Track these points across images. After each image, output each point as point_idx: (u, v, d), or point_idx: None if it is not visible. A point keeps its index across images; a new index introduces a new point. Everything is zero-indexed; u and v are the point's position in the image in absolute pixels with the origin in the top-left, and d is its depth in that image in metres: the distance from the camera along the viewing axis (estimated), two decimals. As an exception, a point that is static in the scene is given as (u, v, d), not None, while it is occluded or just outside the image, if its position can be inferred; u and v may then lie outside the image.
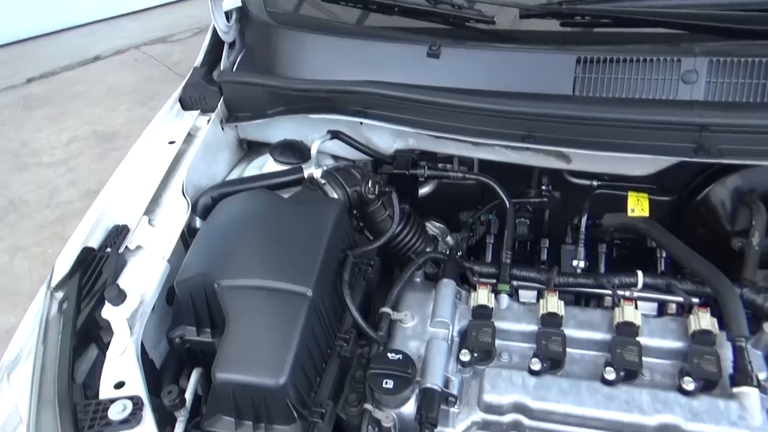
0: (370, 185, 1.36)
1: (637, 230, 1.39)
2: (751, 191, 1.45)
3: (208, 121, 1.60)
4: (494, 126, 1.30)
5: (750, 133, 1.16)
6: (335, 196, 1.35)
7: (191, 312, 1.18)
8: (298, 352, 1.03)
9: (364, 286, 1.31)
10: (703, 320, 1.13)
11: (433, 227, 1.61)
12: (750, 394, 1.04)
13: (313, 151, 1.45)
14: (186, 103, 1.65)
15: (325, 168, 1.41)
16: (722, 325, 1.16)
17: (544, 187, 1.51)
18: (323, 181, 1.35)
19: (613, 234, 1.51)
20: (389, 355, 1.13)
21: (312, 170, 1.38)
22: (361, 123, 1.43)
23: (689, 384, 1.06)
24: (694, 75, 1.25)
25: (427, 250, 1.44)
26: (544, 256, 1.50)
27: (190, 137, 1.57)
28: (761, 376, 1.12)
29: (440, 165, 1.48)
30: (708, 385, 1.08)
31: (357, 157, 1.57)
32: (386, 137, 1.50)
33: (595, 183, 1.48)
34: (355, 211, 1.42)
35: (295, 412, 1.02)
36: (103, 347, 1.17)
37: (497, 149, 1.39)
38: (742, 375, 1.06)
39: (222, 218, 1.30)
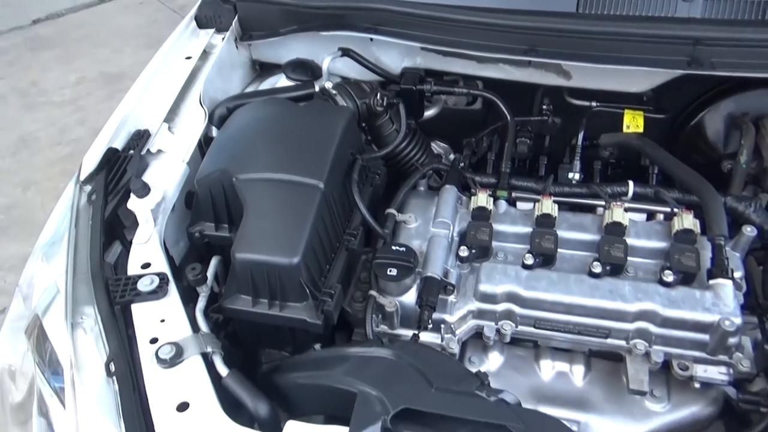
0: (378, 97, 1.43)
1: (631, 146, 1.46)
2: (743, 114, 1.51)
3: (223, 39, 1.65)
4: (499, 41, 1.36)
5: (741, 47, 1.22)
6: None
7: (210, 208, 1.27)
8: (310, 236, 1.12)
9: (371, 192, 1.39)
10: (686, 221, 1.21)
11: (437, 146, 1.68)
12: (725, 284, 1.13)
13: (324, 67, 1.51)
14: (201, 22, 1.70)
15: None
16: (705, 231, 1.25)
17: (544, 107, 1.57)
18: (334, 92, 1.41)
19: (609, 154, 1.58)
20: (394, 247, 1.22)
21: (324, 83, 1.45)
22: (372, 39, 1.49)
23: (669, 276, 1.15)
24: (692, -7, 1.30)
25: (431, 163, 1.51)
26: (542, 172, 1.57)
27: (205, 54, 1.63)
28: (737, 274, 1.21)
29: (450, 81, 1.54)
30: (686, 279, 1.18)
31: (366, 78, 1.63)
32: (395, 56, 1.56)
33: (593, 104, 1.54)
34: (363, 124, 1.49)
35: (307, 289, 1.11)
36: (127, 245, 1.26)
37: (501, 66, 1.45)
38: (718, 269, 1.15)
39: (238, 123, 1.37)
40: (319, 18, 1.54)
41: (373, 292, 1.21)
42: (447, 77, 1.59)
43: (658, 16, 1.32)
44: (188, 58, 1.60)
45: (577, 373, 1.25)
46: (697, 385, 1.16)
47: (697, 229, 1.21)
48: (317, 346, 1.16)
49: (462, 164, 1.47)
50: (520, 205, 1.41)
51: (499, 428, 0.86)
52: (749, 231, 1.22)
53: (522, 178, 1.41)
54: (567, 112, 1.61)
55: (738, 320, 1.10)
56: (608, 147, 1.54)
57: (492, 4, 1.41)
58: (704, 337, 1.14)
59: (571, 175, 1.48)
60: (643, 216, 1.36)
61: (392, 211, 1.33)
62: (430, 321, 1.16)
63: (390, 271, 1.18)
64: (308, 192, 1.17)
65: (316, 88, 1.50)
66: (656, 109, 1.51)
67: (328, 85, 1.42)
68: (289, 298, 1.13)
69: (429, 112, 1.69)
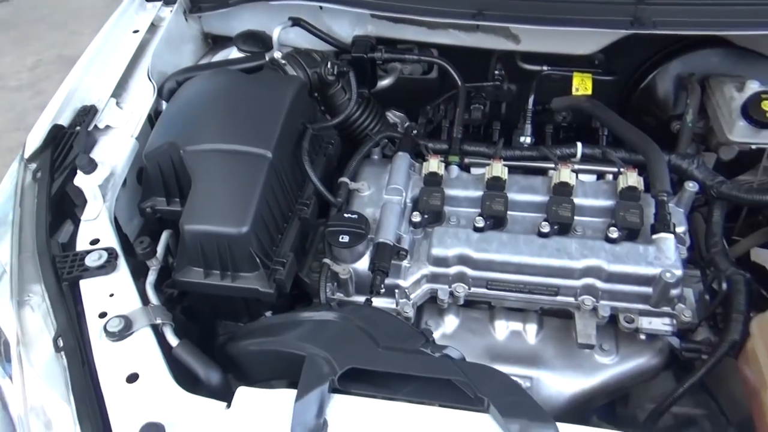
0: (329, 66, 1.42)
1: (581, 108, 1.48)
2: (690, 75, 1.54)
3: (171, 11, 1.62)
4: (448, 5, 1.36)
5: (681, 5, 1.24)
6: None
7: (160, 182, 1.26)
8: (259, 206, 1.12)
9: (324, 162, 1.39)
10: (630, 179, 1.24)
11: (393, 116, 1.68)
12: (666, 238, 1.17)
13: (275, 37, 1.49)
14: (148, -5, 1.66)
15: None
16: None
17: (496, 72, 1.58)
18: (284, 62, 1.40)
19: (563, 117, 1.60)
20: (346, 215, 1.23)
21: (274, 53, 1.43)
22: (321, 7, 1.47)
23: (614, 233, 1.18)
24: (636, -47, 1.31)
25: (386, 132, 1.51)
26: (496, 137, 1.58)
27: (153, 27, 1.60)
28: (680, 229, 1.25)
29: (402, 49, 1.53)
30: (631, 235, 1.21)
31: (319, 48, 1.61)
32: (346, 25, 1.55)
33: (545, 68, 1.56)
34: (316, 94, 1.48)
35: (258, 259, 1.11)
36: (79, 223, 1.25)
37: (451, 32, 1.45)
38: (661, 224, 1.18)
39: (186, 95, 1.35)
40: (268, -13, 1.52)
41: (326, 260, 1.22)
42: (400, 45, 1.58)
43: (603, -24, 1.33)
44: (135, 31, 1.57)
45: (530, 331, 1.28)
46: (642, 337, 1.20)
47: (641, 186, 1.24)
48: (268, 314, 1.17)
49: (415, 131, 1.47)
50: (474, 170, 1.42)
51: (444, 382, 0.88)
52: (691, 187, 1.25)
53: (474, 143, 1.42)
54: (521, 77, 1.62)
55: (678, 272, 1.13)
56: (560, 110, 1.55)
57: (439, -31, 1.40)
58: (648, 290, 1.17)
59: (522, 138, 1.50)
60: (593, 176, 1.39)
61: (345, 179, 1.33)
62: (382, 286, 1.17)
63: (342, 238, 1.19)
64: (256, 161, 1.16)
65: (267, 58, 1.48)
66: (605, 71, 1.53)
67: (278, 55, 1.41)
68: (240, 268, 1.13)
69: (385, 82, 1.68)
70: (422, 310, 1.32)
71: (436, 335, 1.30)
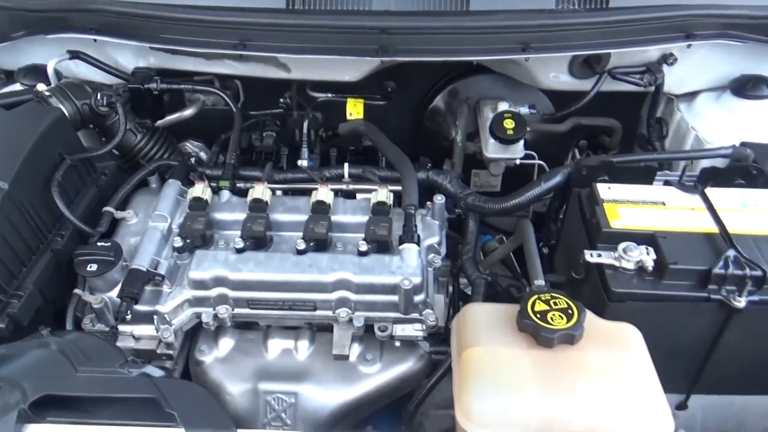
0: (99, 97, 1.42)
1: (359, 131, 1.57)
2: (467, 99, 1.68)
3: (-51, 46, 1.57)
4: (213, 37, 1.40)
5: (419, 34, 1.35)
6: (62, 108, 1.39)
7: None
8: (-11, 238, 1.09)
9: (95, 192, 1.38)
10: (380, 195, 1.32)
11: (191, 145, 1.70)
12: (409, 248, 1.24)
13: (50, 70, 1.49)
14: (-76, 31, 1.60)
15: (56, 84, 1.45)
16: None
17: (282, 100, 1.65)
18: (48, 94, 1.39)
19: (358, 142, 1.69)
20: (98, 243, 1.21)
21: (38, 86, 1.42)
22: (95, 40, 1.48)
23: (363, 246, 1.24)
24: (384, -14, 1.42)
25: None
26: (282, 163, 1.63)
27: (-74, 63, 1.54)
28: (434, 240, 1.33)
29: (180, 80, 1.56)
30: (382, 247, 1.27)
31: (112, 81, 1.61)
32: (129, 56, 1.56)
33: (330, 95, 1.64)
34: (92, 126, 1.48)
35: (-15, 294, 1.08)
36: None
37: (227, 62, 1.50)
38: (406, 235, 1.26)
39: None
40: (44, 21, 1.51)
41: (77, 291, 1.20)
42: (198, 77, 1.62)
43: (358, 9, 1.43)
44: None
45: (301, 348, 1.31)
46: (397, 344, 1.26)
47: (390, 201, 1.32)
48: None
49: (194, 159, 1.50)
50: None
51: (143, 401, 0.88)
52: (439, 200, 1.35)
53: (248, 168, 1.46)
54: (313, 104, 1.69)
55: (417, 279, 1.20)
56: (345, 134, 1.63)
57: (207, 2, 1.45)
58: (396, 298, 1.23)
59: (300, 162, 1.56)
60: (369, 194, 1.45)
61: (109, 209, 1.33)
62: (129, 312, 1.16)
63: (90, 266, 1.17)
64: (-10, 194, 1.14)
65: (37, 90, 1.46)
66: (382, 97, 1.64)
67: (41, 87, 1.39)
68: (-33, 303, 1.08)
69: (187, 112, 1.69)
70: (197, 334, 1.32)
71: (209, 359, 1.30)
